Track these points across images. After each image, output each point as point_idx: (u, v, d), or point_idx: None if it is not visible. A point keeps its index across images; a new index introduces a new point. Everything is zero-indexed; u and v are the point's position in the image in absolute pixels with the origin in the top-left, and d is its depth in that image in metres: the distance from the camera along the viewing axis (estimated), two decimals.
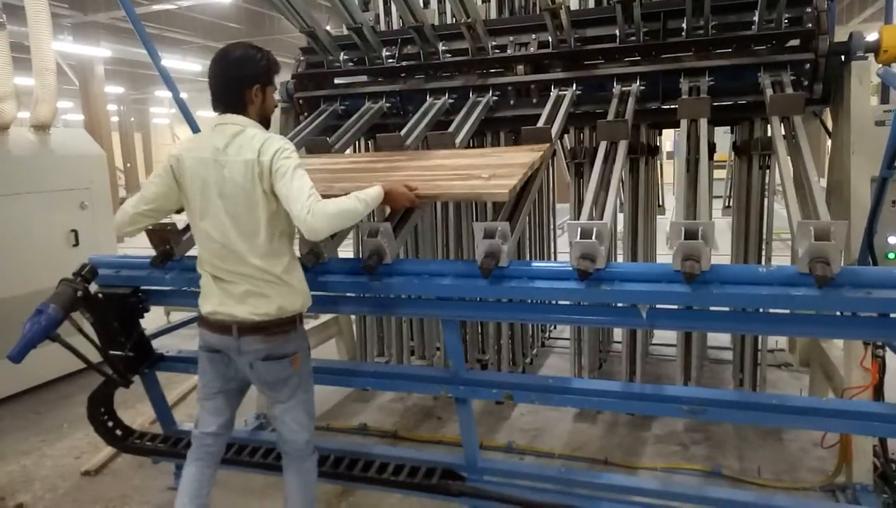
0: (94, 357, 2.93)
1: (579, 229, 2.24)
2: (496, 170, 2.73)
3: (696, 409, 2.48)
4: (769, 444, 3.77)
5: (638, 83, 3.41)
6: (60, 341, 2.65)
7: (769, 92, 3.04)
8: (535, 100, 3.67)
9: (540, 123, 3.13)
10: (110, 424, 3.32)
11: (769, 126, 3.00)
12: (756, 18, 3.24)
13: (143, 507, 3.39)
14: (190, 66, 17.85)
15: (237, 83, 2.34)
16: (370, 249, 2.54)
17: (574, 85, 3.54)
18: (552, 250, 5.68)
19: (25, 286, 4.59)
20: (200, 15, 17.17)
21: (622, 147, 2.84)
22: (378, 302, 2.79)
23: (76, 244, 5.20)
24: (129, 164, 27.00)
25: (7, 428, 4.31)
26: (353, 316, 5.09)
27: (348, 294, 2.82)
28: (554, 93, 3.52)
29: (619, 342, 4.83)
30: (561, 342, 5.70)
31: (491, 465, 2.97)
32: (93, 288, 2.85)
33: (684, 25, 3.36)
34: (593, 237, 2.21)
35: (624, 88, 3.41)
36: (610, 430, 4.07)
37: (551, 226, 5.58)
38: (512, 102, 3.75)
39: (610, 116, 3.12)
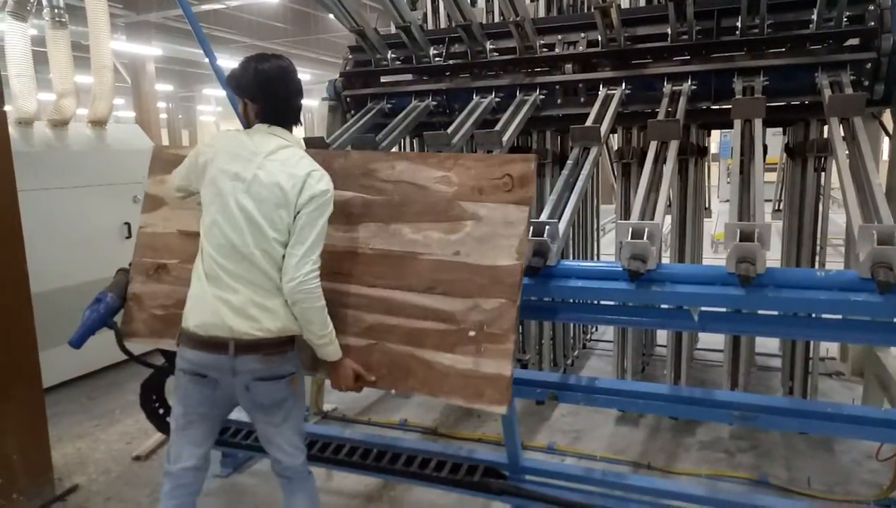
0: None
1: (630, 229, 2.21)
2: (482, 305, 2.15)
3: (747, 415, 2.43)
4: (819, 455, 3.66)
5: (689, 82, 3.36)
6: (116, 329, 2.74)
7: (827, 92, 2.95)
8: (582, 99, 3.64)
9: (588, 122, 3.10)
10: (161, 411, 3.40)
11: (826, 127, 2.92)
12: (815, 17, 3.16)
13: None
14: (237, 64, 18.25)
15: (296, 99, 2.33)
16: None
17: (623, 84, 3.50)
18: (595, 251, 5.62)
19: (82, 276, 4.76)
20: (248, 14, 17.52)
21: (673, 147, 2.80)
22: None
23: (129, 236, 5.37)
24: None
25: (63, 412, 4.48)
26: None
27: None
28: (602, 92, 3.49)
29: (663, 345, 4.77)
30: (602, 344, 5.65)
31: (533, 465, 2.96)
32: None
33: (739, 24, 3.29)
34: (644, 237, 2.19)
35: (675, 88, 3.35)
36: (653, 434, 4.01)
37: (594, 227, 5.53)
38: (559, 101, 3.73)
39: (660, 116, 3.08)
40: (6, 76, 4.55)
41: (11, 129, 3.25)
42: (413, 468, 2.96)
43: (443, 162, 2.34)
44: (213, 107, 31.35)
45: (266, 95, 2.29)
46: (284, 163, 2.21)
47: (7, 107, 3.24)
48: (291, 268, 2.13)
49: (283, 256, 2.18)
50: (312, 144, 3.56)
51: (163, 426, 3.42)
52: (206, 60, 4.01)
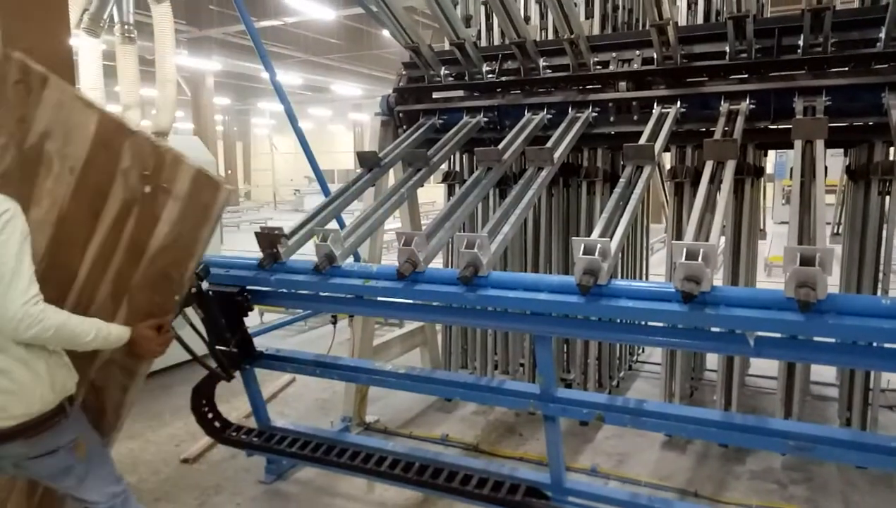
0: (200, 351, 3.11)
1: (685, 250, 2.17)
2: None
3: (803, 445, 2.34)
4: (879, 491, 3.50)
5: (747, 101, 3.29)
6: (174, 333, 2.83)
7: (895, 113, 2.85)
8: (636, 117, 3.60)
9: (642, 141, 3.07)
10: (210, 416, 3.48)
11: (893, 149, 2.81)
12: (882, 35, 3.06)
13: (236, 497, 3.55)
14: (292, 79, 18.73)
15: None
16: (467, 260, 2.56)
17: (678, 102, 3.45)
18: (644, 270, 5.53)
19: None
20: (304, 31, 17.99)
21: (729, 167, 2.74)
22: (471, 313, 2.81)
23: None
24: (230, 171, 28.56)
25: None
26: (438, 327, 5.16)
27: (440, 304, 2.84)
28: (657, 110, 3.45)
29: (713, 370, 4.65)
30: (649, 366, 5.53)
31: (576, 486, 2.91)
32: (204, 285, 3.03)
33: (801, 42, 3.22)
34: (699, 258, 2.14)
35: (732, 107, 3.29)
36: (700, 461, 3.90)
37: (644, 245, 5.44)
38: (612, 119, 3.70)
39: (717, 135, 3.02)
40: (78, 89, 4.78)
41: None
42: (455, 483, 2.95)
43: None
44: (267, 120, 32.21)
45: None
46: None
47: None
48: (7, 308, 1.87)
49: None
50: (365, 159, 3.63)
51: (211, 430, 3.50)
52: (264, 74, 4.14)
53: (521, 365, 4.75)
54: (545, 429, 2.85)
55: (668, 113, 3.40)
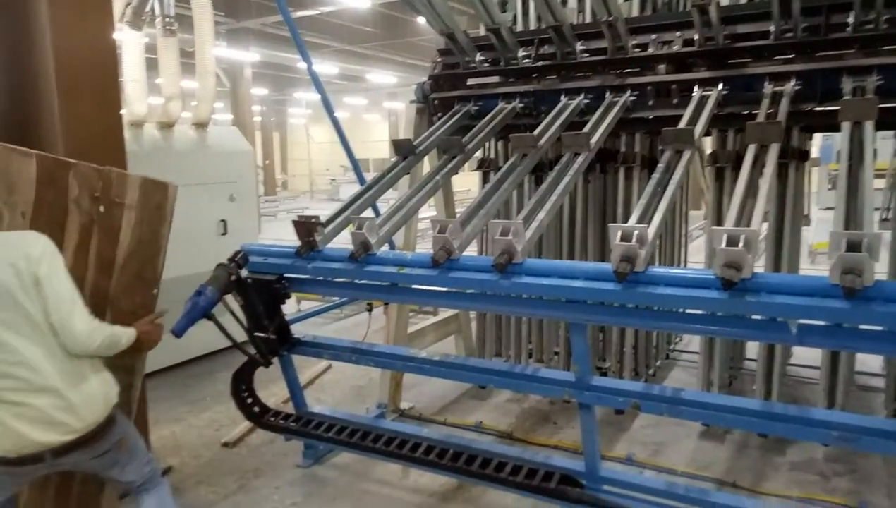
0: (240, 338, 3.18)
1: (725, 236, 2.12)
2: None
3: (848, 436, 2.28)
4: None
5: (793, 82, 3.18)
6: (214, 320, 2.90)
7: None
8: (675, 101, 3.52)
9: (681, 125, 3.00)
10: (249, 401, 3.56)
11: None
12: None
13: (274, 481, 3.63)
14: (328, 68, 18.85)
15: None
16: (501, 248, 2.55)
17: (720, 84, 3.36)
18: (682, 258, 5.43)
19: (182, 270, 4.99)
20: (338, 20, 18.04)
21: (773, 150, 2.66)
22: (505, 301, 2.80)
23: (224, 233, 5.65)
24: (267, 161, 28.95)
25: (161, 397, 4.76)
26: (472, 315, 5.16)
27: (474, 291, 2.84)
28: (697, 93, 3.36)
29: (752, 359, 4.55)
30: (686, 355, 5.44)
31: (611, 475, 2.89)
32: (243, 273, 3.09)
33: (850, 20, 3.09)
34: (740, 245, 2.09)
35: (776, 88, 3.19)
36: (739, 452, 3.83)
37: (682, 233, 5.33)
38: (651, 103, 3.62)
39: (760, 118, 2.93)
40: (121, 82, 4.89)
41: (124, 131, 3.49)
42: (489, 470, 2.96)
43: None
44: (304, 110, 32.52)
45: None
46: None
47: (121, 111, 3.48)
48: (65, 333, 2.13)
49: (50, 330, 2.13)
50: (400, 147, 3.64)
51: (251, 415, 3.58)
52: (300, 64, 4.18)
53: (556, 353, 4.73)
54: (580, 417, 2.83)
55: (709, 96, 3.32)
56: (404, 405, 4.48)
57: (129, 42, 5.06)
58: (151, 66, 5.24)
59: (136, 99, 5.11)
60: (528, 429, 4.19)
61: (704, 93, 3.36)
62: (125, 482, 2.47)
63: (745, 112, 3.43)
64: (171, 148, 5.36)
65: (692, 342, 5.61)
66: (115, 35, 3.46)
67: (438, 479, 3.48)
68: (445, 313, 5.11)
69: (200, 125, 5.69)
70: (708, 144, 4.12)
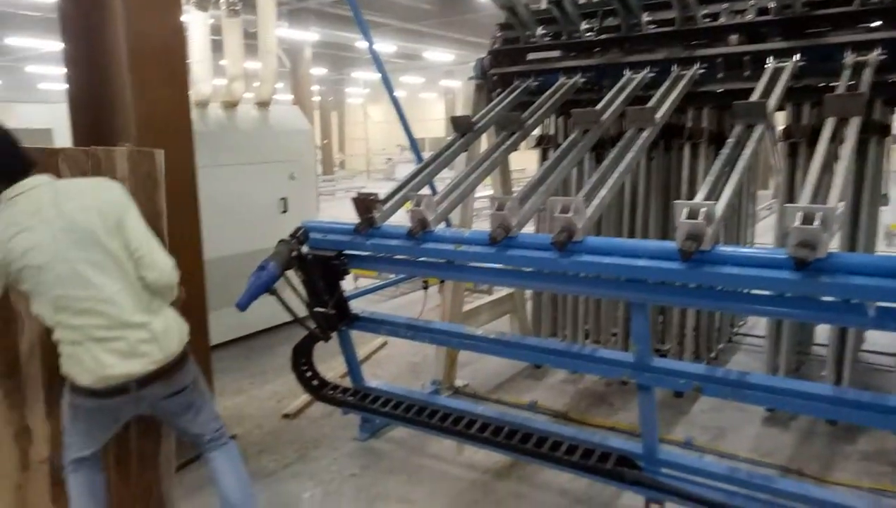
0: (300, 313, 3.24)
1: (800, 213, 2.02)
2: None
3: None
4: None
5: (878, 51, 2.98)
6: (276, 295, 2.96)
7: None
8: (747, 73, 3.36)
9: (753, 98, 2.86)
10: (309, 374, 3.64)
11: None
12: None
13: (333, 453, 3.72)
14: (386, 47, 18.88)
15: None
16: (561, 225, 2.50)
17: (796, 55, 3.19)
18: (748, 240, 5.23)
19: (244, 246, 5.19)
20: None
21: (853, 124, 2.51)
22: (565, 280, 2.76)
23: (285, 211, 5.77)
24: (325, 141, 29.35)
25: (225, 369, 4.93)
26: (527, 295, 5.12)
27: (531, 269, 2.80)
28: (771, 64, 3.20)
29: (822, 344, 4.36)
30: (750, 339, 5.26)
31: (670, 458, 2.83)
32: (304, 249, 3.14)
33: None
34: (816, 222, 1.98)
35: (859, 58, 3.00)
36: (805, 439, 3.70)
37: (749, 213, 5.13)
38: (720, 76, 3.47)
39: (840, 90, 2.77)
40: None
41: (192, 111, 3.58)
42: (544, 449, 2.94)
43: None
44: (361, 90, 32.74)
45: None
46: (76, 194, 2.27)
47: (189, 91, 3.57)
48: (149, 266, 2.29)
49: (133, 264, 2.28)
50: (458, 124, 3.61)
51: (310, 388, 3.66)
52: (359, 44, 4.20)
53: (614, 334, 4.64)
54: (639, 399, 2.78)
55: (783, 67, 3.15)
56: (459, 382, 4.51)
57: (196, 23, 5.19)
58: (215, 47, 5.36)
59: (202, 79, 5.25)
60: (583, 410, 4.16)
61: (779, 65, 3.19)
62: (194, 434, 2.55)
63: (823, 84, 3.25)
64: (234, 127, 5.49)
65: (756, 325, 5.43)
66: (183, 17, 3.55)
67: (493, 456, 3.49)
68: (500, 292, 5.09)
69: (262, 104, 5.80)
70: (780, 120, 3.93)
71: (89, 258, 2.19)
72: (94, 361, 2.20)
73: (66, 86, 3.38)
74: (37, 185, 2.23)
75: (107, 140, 2.96)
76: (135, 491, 2.85)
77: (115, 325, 2.22)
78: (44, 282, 2.17)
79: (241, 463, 2.63)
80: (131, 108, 3.19)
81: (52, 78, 24.28)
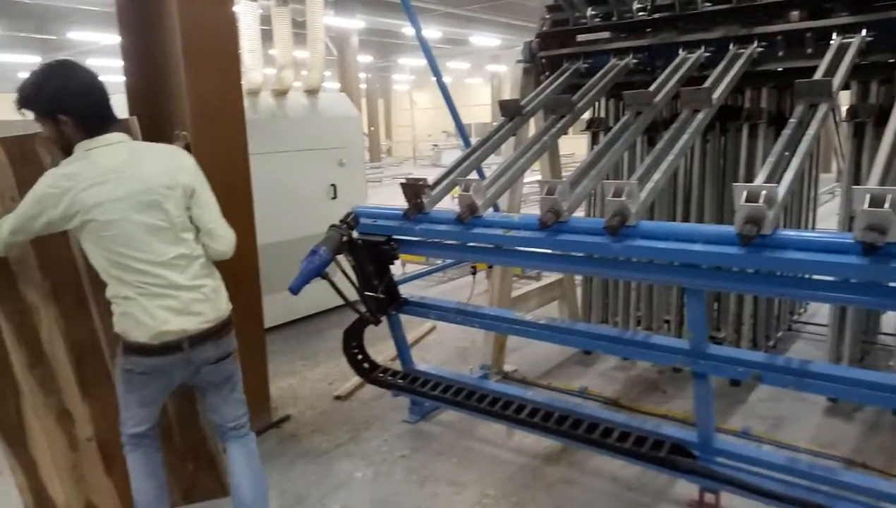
0: (351, 297, 3.29)
1: (868, 195, 1.93)
2: None
3: None
4: None
5: None
6: (328, 279, 3.01)
7: None
8: (809, 51, 3.21)
9: (817, 76, 2.74)
10: (359, 357, 3.69)
11: None
12: None
13: (383, 434, 3.77)
14: (432, 32, 18.84)
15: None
16: (613, 209, 2.46)
17: (863, 31, 3.03)
18: (810, 224, 5.04)
19: (295, 232, 5.28)
20: None
21: None
22: (616, 265, 2.71)
23: (334, 197, 5.84)
24: (372, 128, 29.56)
25: (278, 351, 5.05)
26: (577, 280, 5.06)
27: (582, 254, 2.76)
28: (836, 41, 3.05)
29: (889, 334, 4.18)
30: (811, 327, 5.09)
31: (727, 447, 2.76)
32: (354, 234, 3.18)
33: None
34: (886, 205, 1.89)
35: None
36: (870, 431, 3.57)
37: (810, 197, 4.94)
38: (780, 54, 3.33)
39: None
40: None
41: (243, 100, 3.65)
42: (595, 435, 2.91)
43: None
44: (407, 76, 32.79)
45: (94, 100, 2.27)
46: (152, 157, 2.32)
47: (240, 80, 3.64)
48: (219, 237, 2.42)
49: (195, 231, 2.37)
50: (507, 108, 3.58)
51: (361, 370, 3.72)
52: (405, 30, 4.21)
53: (667, 321, 4.56)
54: (693, 387, 2.72)
55: (849, 43, 3.00)
56: (507, 367, 4.51)
57: (246, 12, 5.27)
58: (265, 36, 5.44)
59: (253, 68, 5.34)
60: (635, 397, 4.10)
61: (844, 41, 3.04)
62: (223, 415, 2.56)
63: (893, 60, 3.09)
64: (284, 115, 5.57)
65: (817, 313, 5.25)
66: (234, 7, 3.61)
67: (543, 442, 3.48)
68: (549, 278, 5.05)
69: (311, 92, 5.87)
70: (843, 99, 3.76)
71: (153, 222, 2.24)
72: (148, 316, 2.24)
73: (124, 78, 3.48)
74: (115, 142, 2.27)
75: (163, 130, 3.03)
76: (180, 450, 2.94)
77: (172, 286, 2.28)
78: (106, 238, 2.20)
79: (257, 460, 2.63)
80: (186, 99, 3.27)
81: (112, 70, 25.14)
